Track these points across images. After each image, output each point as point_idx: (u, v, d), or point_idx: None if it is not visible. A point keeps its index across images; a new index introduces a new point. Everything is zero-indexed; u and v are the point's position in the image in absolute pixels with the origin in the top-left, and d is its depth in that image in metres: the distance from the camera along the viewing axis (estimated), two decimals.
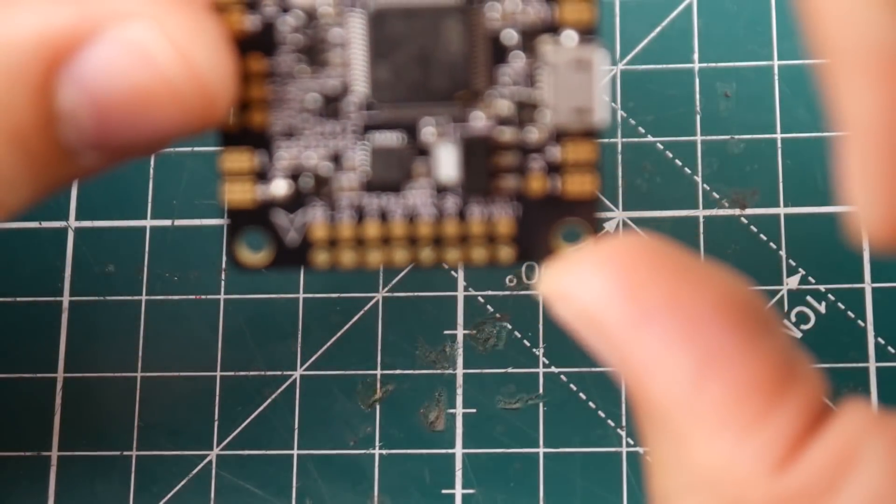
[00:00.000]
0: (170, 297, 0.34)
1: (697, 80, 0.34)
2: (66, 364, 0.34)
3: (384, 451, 0.33)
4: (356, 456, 0.33)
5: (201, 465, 0.33)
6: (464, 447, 0.33)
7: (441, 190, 0.20)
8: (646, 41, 0.35)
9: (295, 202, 0.20)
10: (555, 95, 0.19)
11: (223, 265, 0.34)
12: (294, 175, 0.20)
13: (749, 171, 0.34)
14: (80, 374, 0.34)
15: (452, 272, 0.34)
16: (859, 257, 0.33)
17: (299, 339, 0.34)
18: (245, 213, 0.20)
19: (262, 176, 0.20)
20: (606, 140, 0.34)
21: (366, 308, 0.34)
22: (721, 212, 0.33)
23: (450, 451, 0.33)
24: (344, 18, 0.20)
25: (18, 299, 0.34)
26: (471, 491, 0.32)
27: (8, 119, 0.17)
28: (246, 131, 0.20)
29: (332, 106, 0.20)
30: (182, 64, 0.18)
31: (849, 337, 0.33)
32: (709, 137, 0.34)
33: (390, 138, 0.20)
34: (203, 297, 0.34)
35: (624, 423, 0.32)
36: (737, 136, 0.34)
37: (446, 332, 0.33)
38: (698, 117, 0.34)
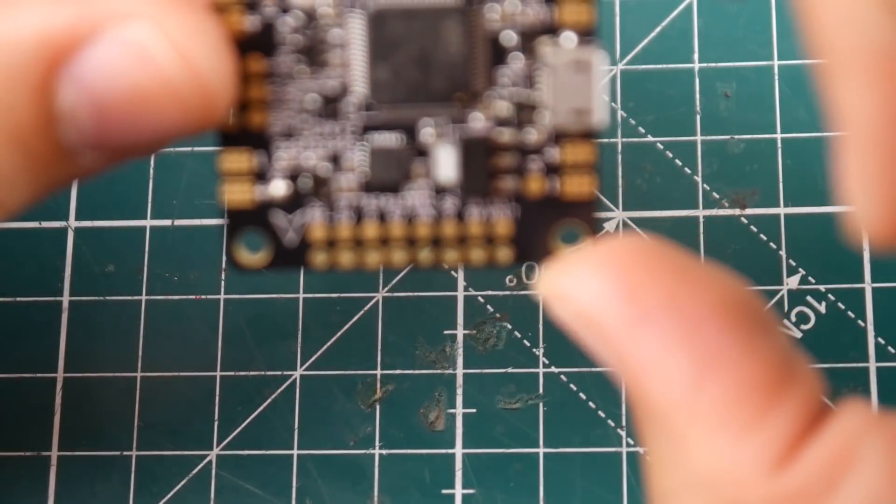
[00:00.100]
0: (170, 297, 0.34)
1: (697, 80, 0.34)
2: (66, 364, 0.34)
3: (384, 451, 0.33)
4: (356, 456, 0.33)
5: (201, 465, 0.33)
6: (464, 447, 0.33)
7: (440, 191, 0.20)
8: (646, 41, 0.35)
9: (294, 203, 0.20)
10: (554, 96, 0.19)
11: (223, 265, 0.34)
12: (293, 175, 0.20)
13: (749, 171, 0.34)
14: (80, 374, 0.34)
15: (452, 272, 0.34)
16: (859, 257, 0.33)
17: (299, 339, 0.34)
18: (244, 213, 0.20)
19: (261, 176, 0.20)
20: (606, 140, 0.34)
21: (366, 308, 0.34)
22: (721, 212, 0.33)
23: (450, 451, 0.33)
24: (343, 19, 0.20)
25: (18, 299, 0.34)
26: (471, 491, 0.32)
27: (8, 119, 0.17)
28: (245, 132, 0.20)
29: (331, 106, 0.20)
30: (182, 64, 0.18)
31: (849, 337, 0.33)
32: (709, 137, 0.34)
33: (389, 139, 0.20)
34: (203, 297, 0.34)
35: (624, 423, 0.32)
36: (737, 136, 0.34)
37: (446, 332, 0.33)
38: (698, 117, 0.34)
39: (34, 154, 0.18)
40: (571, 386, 0.33)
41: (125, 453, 0.33)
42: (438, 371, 0.33)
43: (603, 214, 0.34)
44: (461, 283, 0.34)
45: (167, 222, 0.34)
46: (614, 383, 0.32)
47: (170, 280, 0.34)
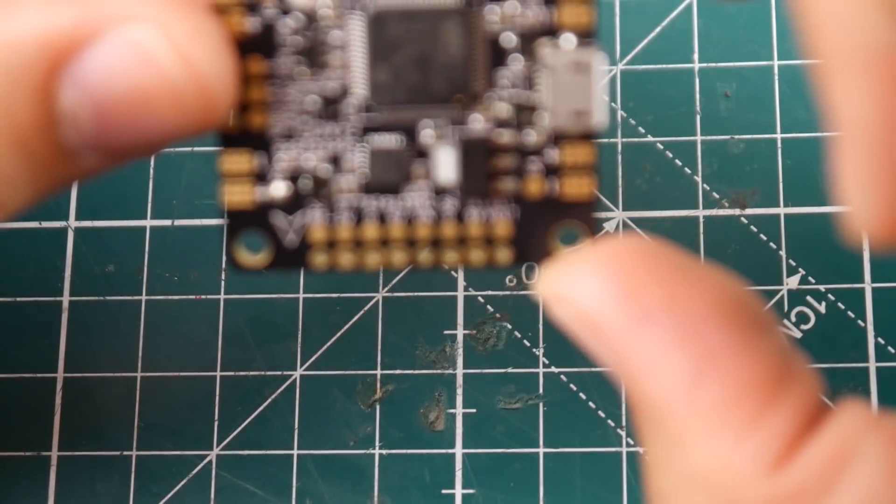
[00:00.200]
0: (170, 297, 0.34)
1: (697, 80, 0.34)
2: (66, 364, 0.34)
3: (384, 451, 0.33)
4: (356, 456, 0.33)
5: (201, 465, 0.33)
6: (464, 447, 0.33)
7: (440, 192, 0.20)
8: (646, 41, 0.35)
9: (294, 204, 0.20)
10: (553, 98, 0.19)
11: (223, 265, 0.34)
12: (293, 177, 0.20)
13: (749, 171, 0.34)
14: (80, 374, 0.34)
15: (452, 272, 0.34)
16: (859, 257, 0.33)
17: (299, 339, 0.34)
18: (244, 214, 0.20)
19: (262, 177, 0.20)
20: (606, 140, 0.34)
21: (366, 308, 0.34)
22: (721, 212, 0.33)
23: (450, 451, 0.33)
24: (344, 21, 0.20)
25: (18, 299, 0.34)
26: (471, 491, 0.32)
27: (9, 120, 0.17)
28: (245, 133, 0.20)
29: (331, 108, 0.20)
30: (183, 66, 0.18)
31: (849, 337, 0.33)
32: (709, 137, 0.34)
33: (389, 140, 0.20)
34: (203, 297, 0.34)
35: (624, 423, 0.32)
36: (737, 136, 0.34)
37: (446, 332, 0.33)
38: (698, 117, 0.34)
39: (35, 155, 0.18)
40: (571, 386, 0.33)
41: (125, 453, 0.33)
42: (438, 371, 0.33)
43: (603, 214, 0.34)
44: (461, 283, 0.34)
45: (167, 222, 0.34)
46: (614, 383, 0.32)
47: (170, 280, 0.34)
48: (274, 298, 0.34)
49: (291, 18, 0.20)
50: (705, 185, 0.34)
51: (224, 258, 0.34)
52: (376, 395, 0.33)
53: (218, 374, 0.33)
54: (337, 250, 0.20)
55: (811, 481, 0.16)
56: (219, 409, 0.33)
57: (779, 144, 0.34)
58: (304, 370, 0.33)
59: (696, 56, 0.35)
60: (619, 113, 0.34)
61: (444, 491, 0.32)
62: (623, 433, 0.32)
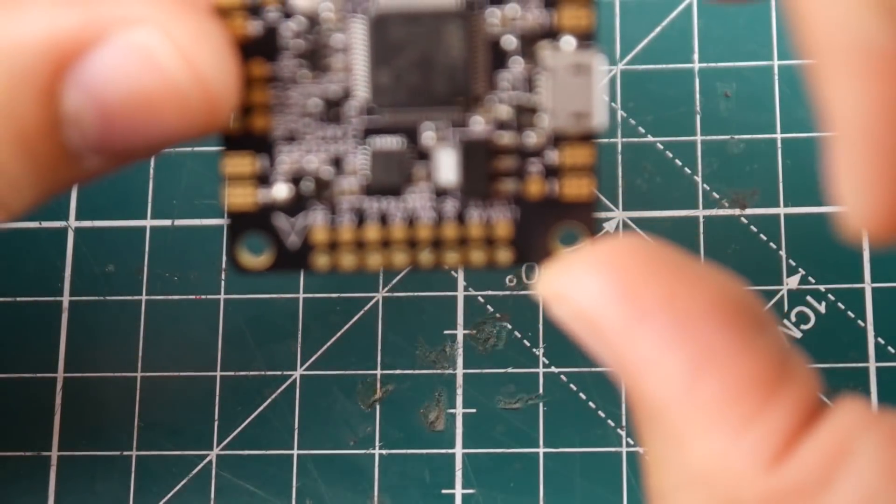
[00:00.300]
0: (170, 297, 0.34)
1: (697, 80, 0.34)
2: (66, 364, 0.34)
3: (384, 451, 0.33)
4: (356, 456, 0.33)
5: (201, 465, 0.33)
6: (464, 447, 0.33)
7: (440, 193, 0.20)
8: (646, 41, 0.35)
9: (296, 206, 0.20)
10: (553, 100, 0.20)
11: (223, 265, 0.34)
12: (295, 179, 0.20)
13: (749, 171, 0.34)
14: (80, 374, 0.34)
15: (453, 272, 0.34)
16: (859, 257, 0.33)
17: (299, 339, 0.34)
18: (246, 216, 0.20)
19: (264, 180, 0.20)
20: (606, 140, 0.34)
21: (366, 308, 0.34)
22: (721, 212, 0.33)
23: (450, 451, 0.33)
24: (346, 24, 0.20)
25: (18, 299, 0.34)
26: (471, 491, 0.32)
27: (14, 121, 0.18)
28: (248, 135, 0.20)
29: (333, 110, 0.20)
30: (187, 69, 0.18)
31: (849, 337, 0.33)
32: (709, 137, 0.34)
33: (391, 142, 0.20)
34: (203, 297, 0.34)
35: (624, 423, 0.33)
36: (737, 136, 0.34)
37: (446, 332, 0.33)
38: (698, 117, 0.34)
39: (39, 157, 0.18)
40: (571, 386, 0.33)
41: (125, 453, 0.33)
42: (438, 371, 0.33)
43: (603, 214, 0.34)
44: (461, 283, 0.34)
45: (167, 222, 0.34)
46: (614, 383, 0.32)
47: (170, 280, 0.34)
48: (274, 298, 0.34)
49: (294, 21, 0.20)
50: (705, 185, 0.34)
51: (225, 259, 0.34)
52: (376, 395, 0.33)
53: (218, 374, 0.33)
54: (338, 251, 0.20)
55: (809, 477, 0.16)
56: (219, 409, 0.33)
57: (779, 144, 0.34)
58: (304, 370, 0.33)
59: (696, 56, 0.35)
60: (619, 113, 0.34)
61: (444, 491, 0.32)
62: (623, 433, 0.32)
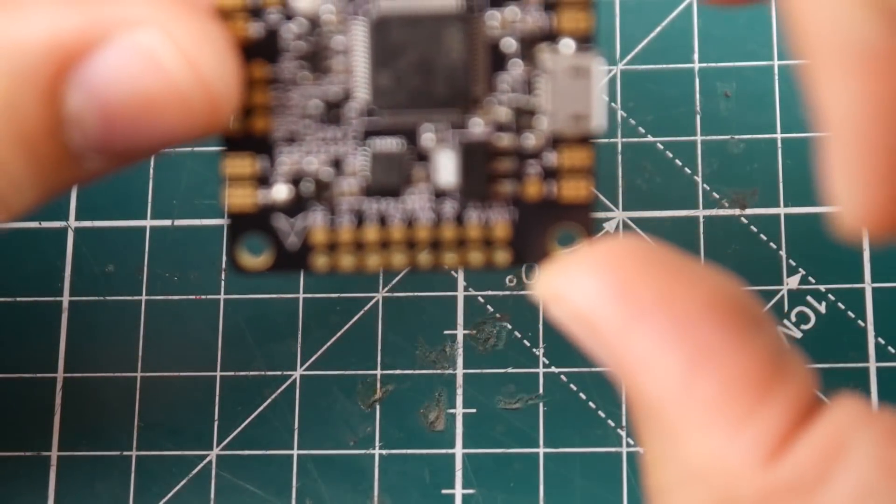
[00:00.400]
0: (170, 297, 0.34)
1: (697, 80, 0.34)
2: (66, 364, 0.34)
3: (384, 451, 0.33)
4: (356, 456, 0.33)
5: (201, 465, 0.33)
6: (464, 447, 0.33)
7: (440, 194, 0.20)
8: (646, 41, 0.35)
9: (296, 207, 0.20)
10: (552, 102, 0.20)
11: (223, 265, 0.34)
12: (295, 180, 0.20)
13: (749, 171, 0.34)
14: (80, 374, 0.34)
15: (452, 272, 0.34)
16: (859, 257, 0.33)
17: (299, 339, 0.34)
18: (246, 217, 0.20)
19: (264, 181, 0.20)
20: (606, 140, 0.34)
21: (366, 308, 0.34)
22: (721, 212, 0.33)
23: (450, 451, 0.33)
24: (346, 26, 0.20)
25: (18, 299, 0.34)
26: (471, 491, 0.32)
27: (16, 122, 0.18)
28: (248, 137, 0.20)
29: (333, 112, 0.20)
30: (189, 70, 0.18)
31: (849, 337, 0.33)
32: (709, 137, 0.34)
33: (390, 144, 0.20)
34: (203, 297, 0.34)
35: (624, 423, 0.33)
36: (737, 136, 0.34)
37: (446, 332, 0.33)
38: (698, 117, 0.34)
39: (41, 157, 0.18)
40: (571, 386, 0.33)
41: (125, 453, 0.33)
42: (438, 371, 0.33)
43: (603, 214, 0.34)
44: (461, 283, 0.34)
45: (167, 222, 0.34)
46: (614, 383, 0.32)
47: (170, 280, 0.34)
48: (274, 298, 0.34)
49: (295, 23, 0.20)
50: (705, 185, 0.34)
51: (225, 259, 0.34)
52: (376, 395, 0.33)
53: (218, 374, 0.33)
54: (338, 252, 0.20)
55: (806, 473, 0.16)
56: (219, 409, 0.33)
57: (779, 144, 0.34)
58: (304, 370, 0.33)
59: (696, 56, 0.35)
60: (619, 113, 0.34)
61: (444, 491, 0.32)
62: (623, 433, 0.32)
